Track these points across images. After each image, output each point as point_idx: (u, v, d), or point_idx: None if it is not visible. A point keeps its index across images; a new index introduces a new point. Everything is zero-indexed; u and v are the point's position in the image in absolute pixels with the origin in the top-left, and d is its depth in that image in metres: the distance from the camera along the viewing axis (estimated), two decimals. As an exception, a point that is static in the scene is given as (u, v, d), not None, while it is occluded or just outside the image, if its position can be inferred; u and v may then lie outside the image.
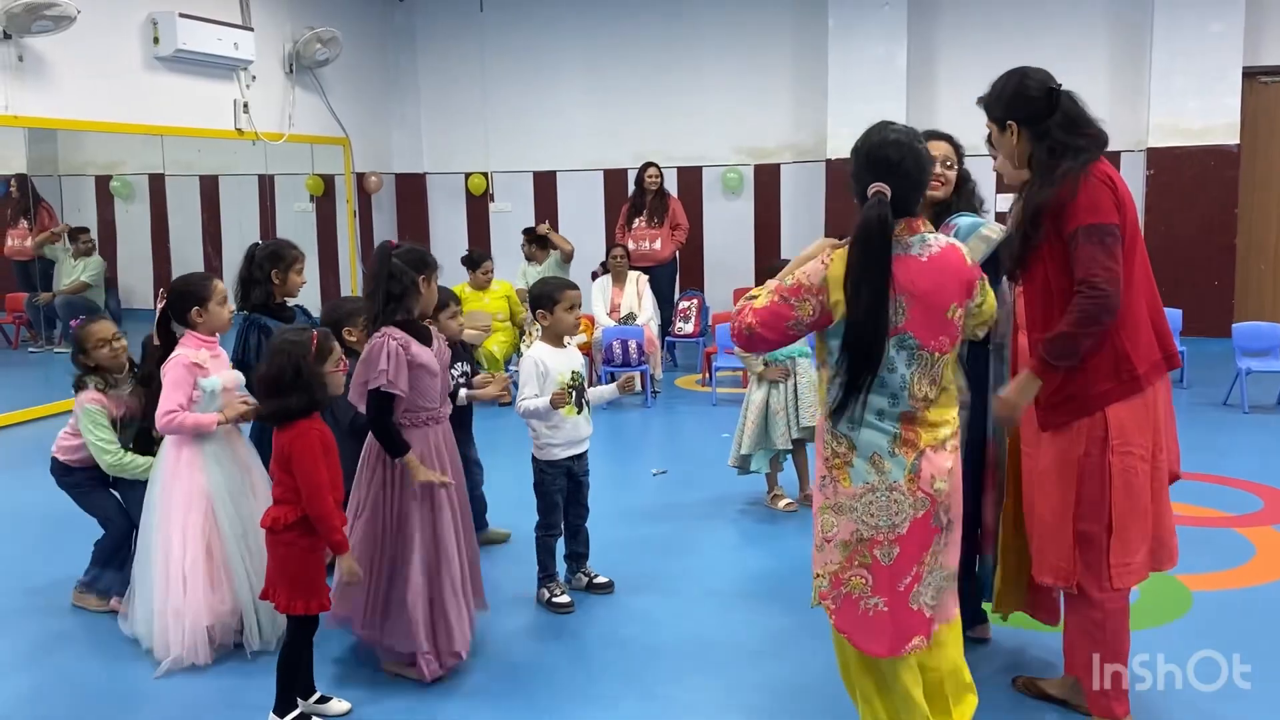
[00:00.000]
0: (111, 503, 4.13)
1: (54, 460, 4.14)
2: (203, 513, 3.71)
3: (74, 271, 9.00)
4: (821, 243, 2.65)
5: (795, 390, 5.19)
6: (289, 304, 4.40)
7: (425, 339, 3.52)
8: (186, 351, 3.78)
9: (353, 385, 3.44)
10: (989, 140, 3.15)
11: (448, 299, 4.28)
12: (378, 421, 3.42)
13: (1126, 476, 2.87)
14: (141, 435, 4.09)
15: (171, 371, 3.73)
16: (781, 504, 5.30)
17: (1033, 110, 2.92)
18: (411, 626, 3.43)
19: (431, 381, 3.50)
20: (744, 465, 5.27)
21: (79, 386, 4.05)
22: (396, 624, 3.47)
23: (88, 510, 4.16)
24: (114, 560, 4.16)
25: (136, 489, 3.99)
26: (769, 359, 5.15)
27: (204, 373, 3.75)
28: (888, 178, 2.50)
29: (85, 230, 9.18)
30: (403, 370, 3.36)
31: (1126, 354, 2.86)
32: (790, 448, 5.22)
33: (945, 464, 2.58)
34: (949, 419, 2.63)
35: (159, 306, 3.89)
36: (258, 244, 4.42)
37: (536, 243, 9.05)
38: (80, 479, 4.12)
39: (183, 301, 3.83)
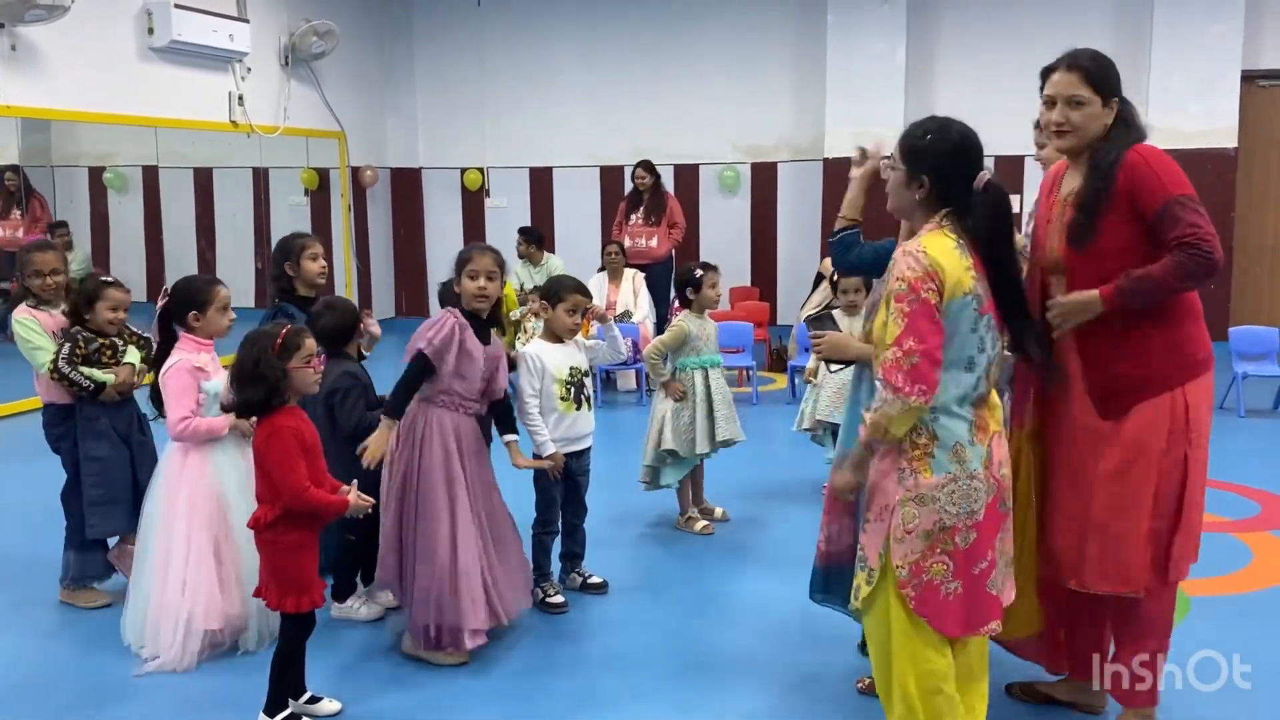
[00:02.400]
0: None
1: (46, 408, 4.12)
2: (209, 515, 3.68)
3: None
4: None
5: (709, 398, 4.87)
6: (317, 294, 4.36)
7: (484, 338, 3.67)
8: (187, 356, 3.75)
9: (410, 343, 3.60)
10: (1038, 125, 3.27)
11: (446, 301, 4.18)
12: (403, 379, 3.56)
13: (1200, 467, 2.87)
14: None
15: (175, 379, 3.70)
16: (698, 527, 4.95)
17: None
18: (429, 603, 3.56)
19: (473, 374, 3.62)
20: (652, 479, 4.94)
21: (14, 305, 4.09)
22: (418, 600, 3.59)
23: (66, 460, 4.13)
24: (82, 541, 4.13)
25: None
26: (687, 363, 4.87)
27: (205, 376, 3.74)
28: (978, 166, 2.65)
29: (63, 225, 9.08)
30: (452, 349, 3.55)
31: (1196, 336, 2.88)
32: (697, 460, 4.93)
33: (1006, 450, 2.70)
34: (1000, 404, 2.73)
35: (160, 304, 3.85)
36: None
37: (534, 244, 9.01)
38: (68, 430, 4.08)
39: (182, 304, 3.80)
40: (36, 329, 4.04)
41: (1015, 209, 10.29)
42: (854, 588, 2.75)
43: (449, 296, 3.89)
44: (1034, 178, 11.04)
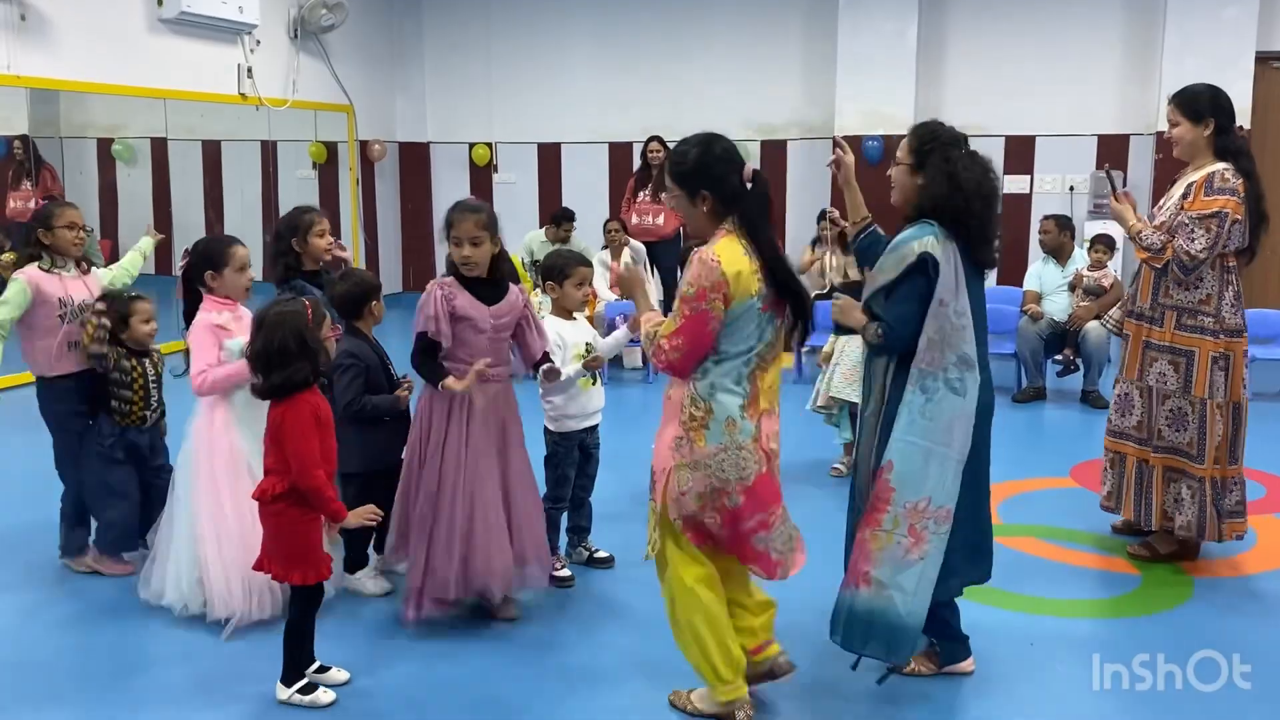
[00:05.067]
0: (78, 445, 4.15)
1: (39, 381, 4.15)
2: (237, 475, 3.72)
3: None
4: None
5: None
6: (321, 269, 4.35)
7: (488, 297, 3.62)
8: (208, 315, 3.79)
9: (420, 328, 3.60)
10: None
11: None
12: (415, 361, 3.61)
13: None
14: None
15: (195, 335, 3.76)
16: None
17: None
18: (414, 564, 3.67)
19: (475, 336, 3.59)
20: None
21: (19, 266, 4.09)
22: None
23: (56, 438, 4.18)
24: (74, 515, 4.21)
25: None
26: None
27: (228, 334, 3.77)
28: (741, 164, 2.98)
29: (60, 196, 9.06)
30: (444, 318, 3.53)
31: None
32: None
33: (776, 426, 3.02)
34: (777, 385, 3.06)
35: (182, 264, 3.89)
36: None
37: (563, 226, 8.98)
38: (63, 405, 4.10)
39: (200, 264, 3.85)
40: (24, 301, 4.01)
41: (1027, 189, 10.27)
42: (650, 541, 3.07)
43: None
44: (1045, 158, 11.04)
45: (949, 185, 3.07)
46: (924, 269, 3.03)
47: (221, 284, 3.84)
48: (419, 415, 3.72)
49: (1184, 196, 4.10)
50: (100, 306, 4.08)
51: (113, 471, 4.10)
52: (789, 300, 2.95)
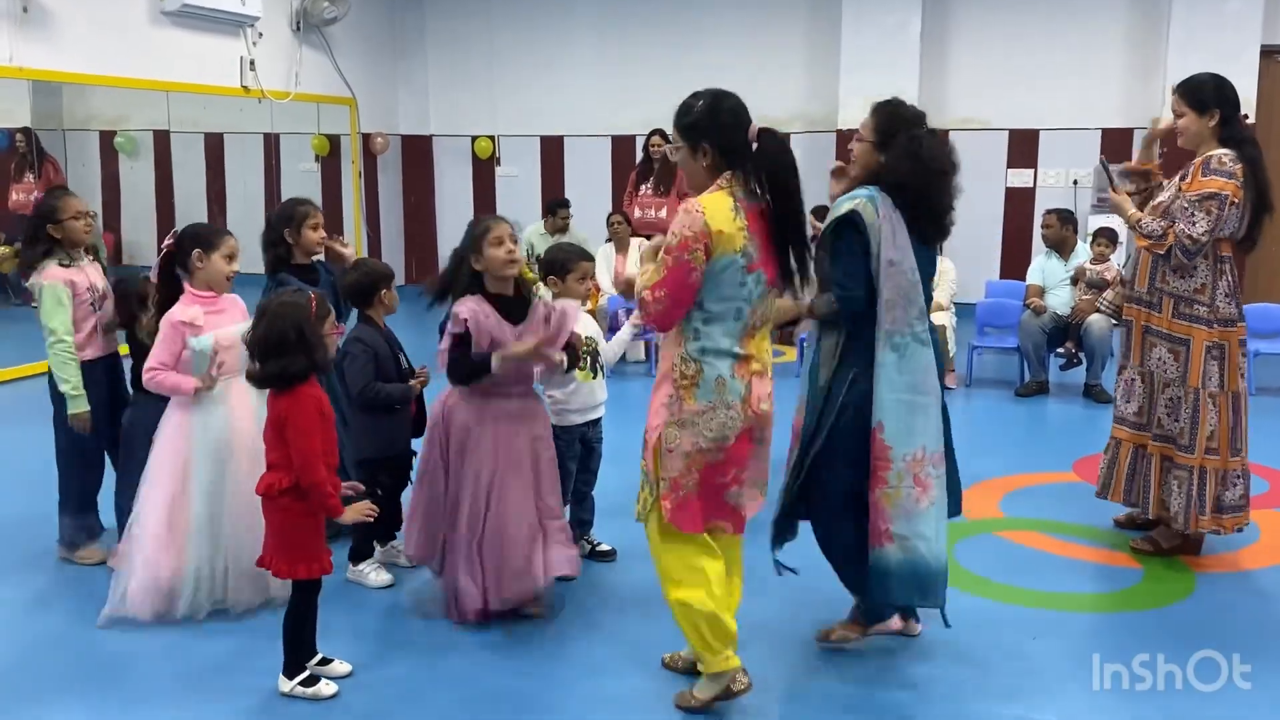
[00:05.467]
0: (85, 436, 4.11)
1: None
2: (171, 478, 3.69)
3: None
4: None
5: None
6: (313, 262, 4.36)
7: (515, 316, 3.57)
8: (179, 310, 3.75)
9: (441, 346, 3.57)
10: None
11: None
12: (454, 364, 3.53)
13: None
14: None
15: (161, 329, 3.72)
16: None
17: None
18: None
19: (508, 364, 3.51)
20: None
21: (33, 265, 4.02)
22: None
23: (61, 430, 4.15)
24: (76, 506, 4.21)
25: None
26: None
27: (195, 331, 3.69)
28: (748, 122, 2.96)
29: (63, 188, 9.04)
30: (482, 323, 3.48)
31: None
32: None
33: (769, 388, 3.04)
34: (768, 347, 3.08)
35: (165, 246, 3.83)
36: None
37: (559, 215, 8.97)
38: (94, 395, 4.07)
39: (190, 242, 3.78)
40: (65, 303, 3.98)
41: (1030, 183, 10.26)
42: (639, 501, 3.10)
43: (459, 276, 3.62)
44: (1048, 151, 11.01)
45: (912, 165, 3.18)
46: (853, 224, 3.16)
47: (207, 267, 3.75)
48: (441, 417, 3.66)
49: (1182, 179, 4.10)
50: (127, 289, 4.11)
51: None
52: (789, 251, 2.96)
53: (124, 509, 3.99)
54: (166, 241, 3.85)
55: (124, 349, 4.24)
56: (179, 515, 3.68)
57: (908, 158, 3.17)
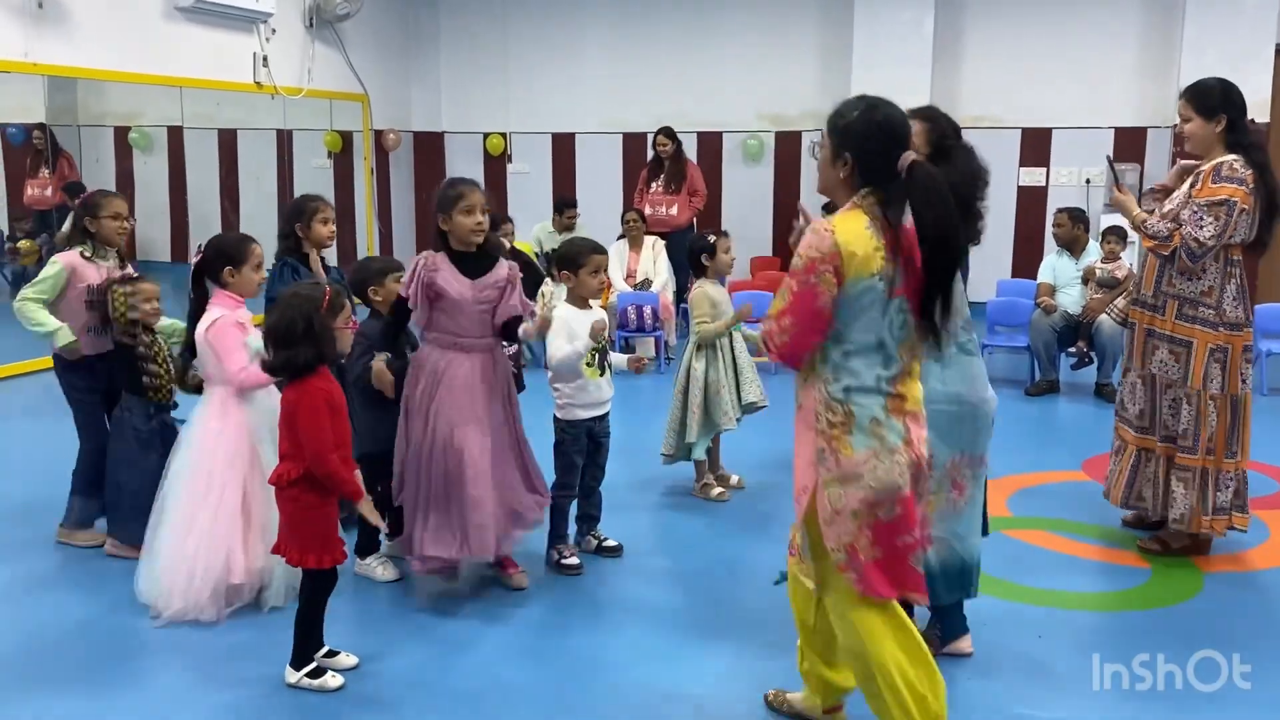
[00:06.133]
0: (98, 415, 4.27)
1: (56, 357, 4.24)
2: (243, 470, 3.73)
3: None
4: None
5: (734, 362, 4.93)
6: (324, 260, 4.47)
7: (475, 270, 3.73)
8: (229, 313, 3.82)
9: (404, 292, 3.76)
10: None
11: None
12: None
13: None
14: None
15: (226, 335, 3.77)
16: (714, 493, 4.98)
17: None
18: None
19: (453, 311, 3.69)
20: (684, 453, 4.91)
21: (60, 247, 4.23)
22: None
23: (75, 411, 4.30)
24: (87, 486, 4.29)
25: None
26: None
27: (248, 332, 3.82)
28: (902, 147, 2.60)
29: (78, 182, 9.08)
30: (418, 287, 3.66)
31: None
32: (734, 426, 4.92)
33: (924, 429, 2.70)
34: (918, 381, 2.74)
35: (194, 261, 3.93)
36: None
37: (566, 214, 8.98)
38: (83, 381, 4.22)
39: (218, 259, 3.87)
40: (60, 283, 4.14)
41: (1042, 182, 10.22)
42: (788, 573, 2.83)
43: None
44: (1061, 150, 10.94)
45: (963, 177, 3.12)
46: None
47: (239, 280, 3.87)
48: (406, 382, 3.82)
49: (1192, 185, 4.09)
50: (119, 278, 4.19)
51: (147, 458, 4.08)
52: (929, 280, 2.58)
53: (122, 514, 4.17)
54: (194, 256, 3.95)
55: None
56: (257, 511, 3.72)
57: (969, 175, 3.16)
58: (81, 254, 4.20)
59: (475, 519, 3.66)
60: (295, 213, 4.41)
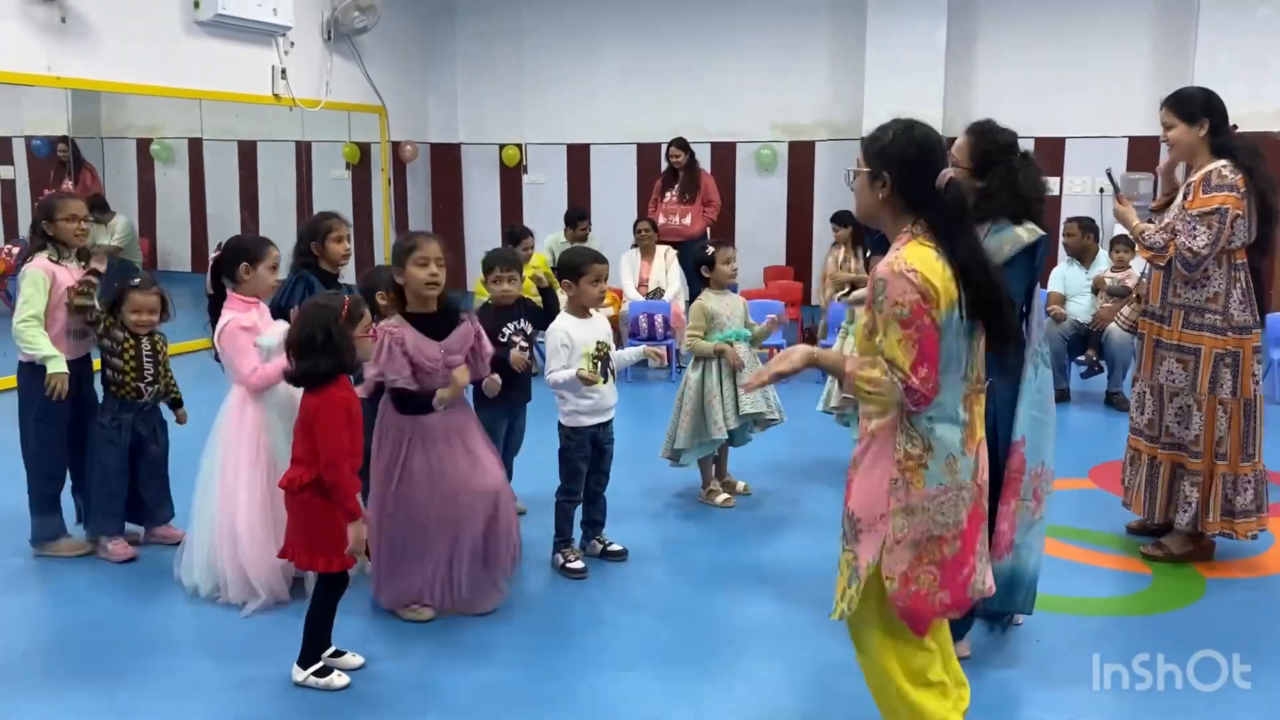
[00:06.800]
0: (56, 429, 4.26)
1: (21, 364, 4.22)
2: (265, 468, 3.83)
3: (104, 236, 9.05)
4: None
5: (733, 374, 4.92)
6: (338, 275, 4.49)
7: (438, 332, 3.63)
8: (237, 316, 3.91)
9: (366, 375, 3.64)
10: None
11: (493, 264, 4.44)
12: (399, 404, 3.64)
13: None
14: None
15: (231, 341, 3.87)
16: (720, 499, 5.02)
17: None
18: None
19: (426, 375, 3.59)
20: (676, 458, 5.01)
21: (28, 257, 4.19)
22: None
23: (31, 428, 4.26)
24: (40, 503, 4.32)
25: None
26: (712, 339, 4.93)
27: (256, 333, 3.90)
28: (940, 165, 2.60)
29: (99, 197, 9.15)
30: (397, 361, 3.53)
31: None
32: (725, 438, 4.93)
33: (985, 458, 2.71)
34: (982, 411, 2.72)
35: (214, 257, 4.03)
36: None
37: (579, 226, 9.04)
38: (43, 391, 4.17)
39: (235, 256, 3.96)
40: (43, 290, 4.12)
41: (1054, 191, 10.20)
42: (845, 599, 2.68)
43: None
44: (1074, 160, 10.92)
45: (1009, 195, 3.21)
46: (1031, 252, 3.20)
47: (253, 279, 3.96)
48: (376, 437, 3.73)
49: (1185, 197, 4.12)
50: (96, 267, 4.26)
51: (108, 452, 4.22)
52: (985, 316, 2.59)
53: (91, 507, 4.27)
54: (214, 254, 4.03)
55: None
56: (278, 502, 3.74)
57: (1006, 188, 3.20)
58: (49, 258, 4.19)
59: (464, 583, 3.72)
60: (311, 231, 4.43)
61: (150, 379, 4.26)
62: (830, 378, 5.43)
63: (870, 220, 2.73)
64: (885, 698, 2.71)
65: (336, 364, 3.22)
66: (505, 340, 4.39)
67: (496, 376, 3.98)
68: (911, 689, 2.65)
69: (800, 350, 2.66)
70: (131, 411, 4.25)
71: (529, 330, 4.52)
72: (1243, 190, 4.00)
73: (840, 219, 8.77)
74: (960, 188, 2.62)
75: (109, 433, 4.23)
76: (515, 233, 8.15)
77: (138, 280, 4.32)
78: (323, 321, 3.20)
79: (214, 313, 4.02)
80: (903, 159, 2.58)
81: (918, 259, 2.51)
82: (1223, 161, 4.04)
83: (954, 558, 2.61)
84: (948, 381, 2.54)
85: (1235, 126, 4.22)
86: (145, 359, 4.24)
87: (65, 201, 4.30)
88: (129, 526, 4.42)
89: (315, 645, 3.35)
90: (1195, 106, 4.11)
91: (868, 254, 7.59)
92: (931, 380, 2.49)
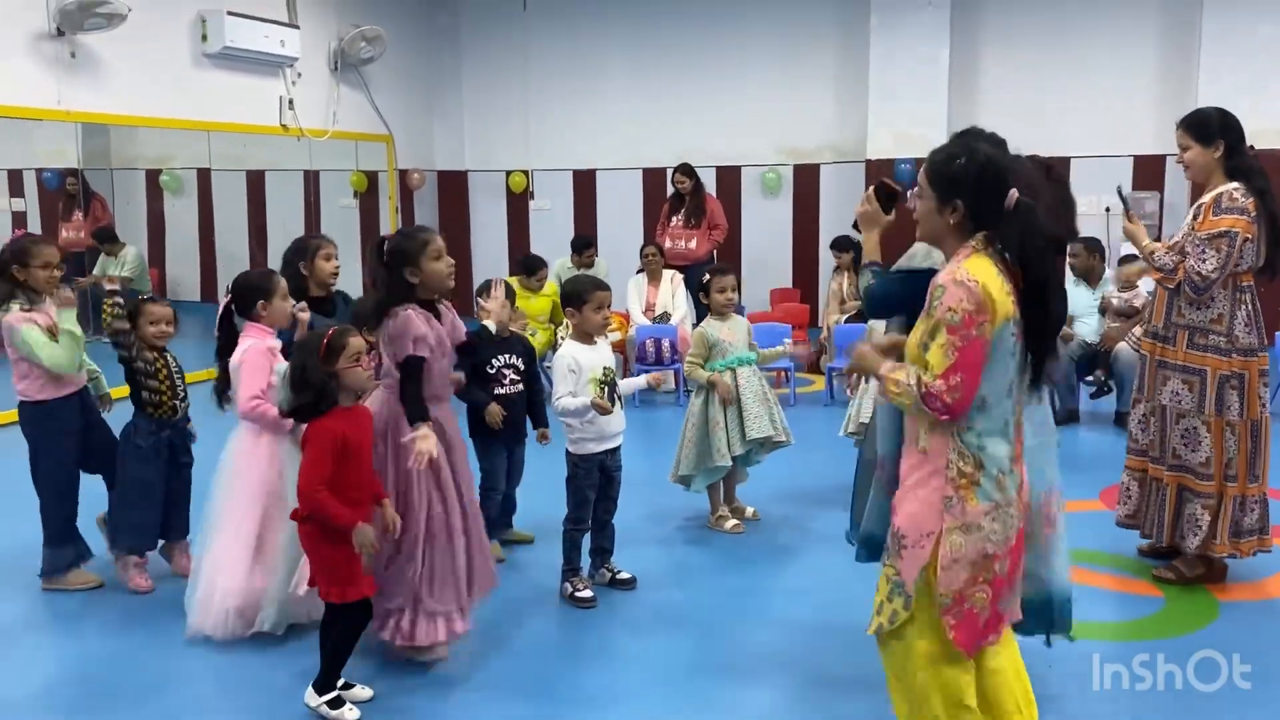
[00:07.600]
0: (65, 460, 4.25)
1: (23, 404, 4.20)
2: (264, 506, 3.82)
3: (113, 267, 9.11)
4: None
5: (738, 399, 4.89)
6: (331, 294, 4.49)
7: (436, 315, 3.63)
8: (263, 340, 3.92)
9: (385, 364, 3.56)
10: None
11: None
12: (408, 387, 3.48)
13: None
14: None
15: (252, 358, 3.86)
16: (729, 525, 4.99)
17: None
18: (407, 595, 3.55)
19: (435, 361, 3.57)
20: (686, 483, 5.01)
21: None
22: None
23: (39, 460, 4.25)
24: (54, 536, 4.29)
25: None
26: (716, 366, 4.93)
27: (278, 359, 3.90)
28: (1008, 184, 2.57)
29: (108, 228, 9.21)
30: (422, 334, 3.49)
31: None
32: (730, 464, 4.90)
33: (1026, 475, 2.72)
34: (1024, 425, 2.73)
35: (223, 303, 4.03)
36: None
37: (585, 254, 9.08)
38: (55, 423, 4.19)
39: (250, 295, 3.97)
40: (38, 330, 4.06)
41: (1082, 209, 10.21)
42: (883, 613, 2.65)
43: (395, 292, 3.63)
44: (1079, 180, 10.93)
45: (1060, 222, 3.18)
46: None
47: (271, 311, 3.97)
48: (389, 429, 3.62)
49: (1194, 218, 4.12)
50: (114, 288, 4.26)
51: (146, 470, 4.23)
52: (1034, 330, 2.58)
53: (126, 526, 4.24)
54: (223, 300, 4.03)
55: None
56: (269, 538, 3.80)
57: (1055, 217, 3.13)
58: (20, 308, 4.07)
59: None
60: (297, 252, 4.40)
61: (182, 395, 4.31)
62: (852, 400, 5.45)
63: (934, 242, 2.74)
64: (910, 714, 2.69)
65: (314, 399, 3.25)
66: (494, 372, 4.40)
67: (498, 407, 3.97)
68: (945, 712, 2.63)
69: (864, 347, 2.69)
70: (169, 429, 4.28)
71: (521, 366, 4.51)
72: (1253, 214, 4.00)
73: (840, 244, 8.79)
74: (1029, 206, 2.59)
75: (146, 452, 4.23)
76: (530, 263, 8.19)
77: (146, 295, 4.34)
78: (300, 359, 3.29)
79: (223, 353, 3.99)
80: (976, 186, 2.57)
81: (980, 270, 2.50)
82: (1235, 184, 4.05)
83: (1005, 575, 2.61)
84: (995, 397, 2.53)
85: (1252, 147, 4.22)
86: (175, 375, 4.29)
87: (40, 247, 4.16)
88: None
89: (332, 671, 3.35)
90: (1211, 127, 4.11)
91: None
92: (961, 390, 2.47)
